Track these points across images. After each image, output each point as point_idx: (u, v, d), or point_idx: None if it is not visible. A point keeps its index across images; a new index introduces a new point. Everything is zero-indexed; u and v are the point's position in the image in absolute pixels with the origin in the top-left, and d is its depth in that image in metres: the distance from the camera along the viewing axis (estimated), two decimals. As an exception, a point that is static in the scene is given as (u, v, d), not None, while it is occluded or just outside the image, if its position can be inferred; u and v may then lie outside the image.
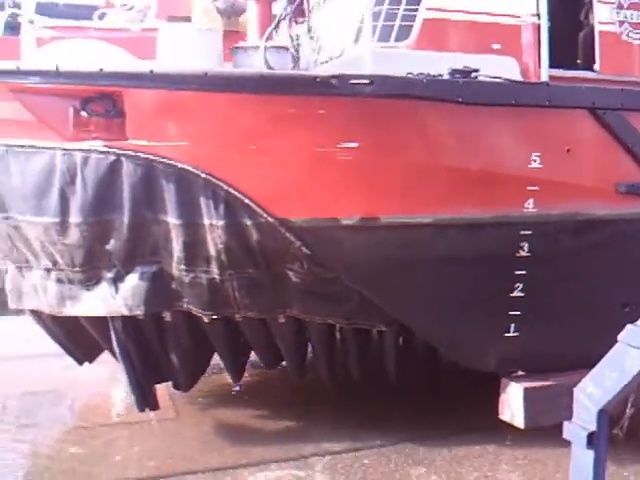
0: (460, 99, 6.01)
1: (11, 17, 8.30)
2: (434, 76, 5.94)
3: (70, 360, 8.65)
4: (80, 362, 8.14)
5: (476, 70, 6.12)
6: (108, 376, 8.96)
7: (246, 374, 8.16)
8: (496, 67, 6.38)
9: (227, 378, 8.18)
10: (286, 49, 6.18)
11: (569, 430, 5.00)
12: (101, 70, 5.80)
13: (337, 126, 5.85)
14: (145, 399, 7.20)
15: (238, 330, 7.06)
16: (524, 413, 6.48)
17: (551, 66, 6.57)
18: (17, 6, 8.47)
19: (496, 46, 6.84)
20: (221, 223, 6.15)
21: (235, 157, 5.98)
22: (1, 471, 6.68)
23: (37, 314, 7.72)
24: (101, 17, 7.86)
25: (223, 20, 7.14)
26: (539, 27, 6.87)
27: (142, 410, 7.24)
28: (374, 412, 7.55)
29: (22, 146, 6.51)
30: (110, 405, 8.45)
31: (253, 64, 6.17)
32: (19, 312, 7.82)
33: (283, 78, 5.82)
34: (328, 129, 5.84)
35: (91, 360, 8.14)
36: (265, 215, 6.09)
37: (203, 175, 6.02)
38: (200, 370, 7.60)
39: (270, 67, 6.01)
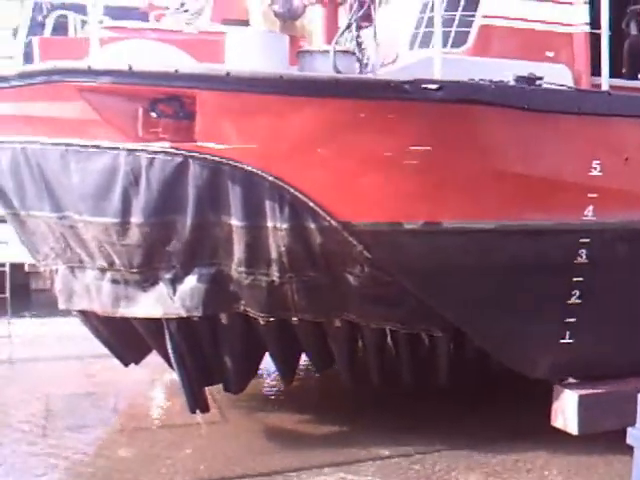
0: (526, 106, 6.08)
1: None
2: (501, 82, 6.01)
3: (108, 362, 8.75)
4: (126, 363, 8.16)
5: (540, 78, 6.20)
6: (147, 379, 9.03)
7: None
8: (550, 75, 6.45)
9: (269, 381, 8.22)
10: (353, 54, 6.23)
11: (632, 435, 5.07)
12: (176, 71, 5.84)
13: (406, 131, 5.90)
14: (196, 401, 7.22)
15: (292, 333, 7.09)
16: (578, 420, 6.53)
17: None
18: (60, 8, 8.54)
19: (549, 54, 6.96)
20: (285, 226, 6.19)
21: (303, 161, 6.03)
22: (51, 475, 6.66)
23: (85, 315, 7.76)
24: (158, 19, 7.90)
25: (280, 24, 7.19)
26: (592, 36, 7.00)
27: (193, 412, 7.26)
28: (424, 417, 7.58)
29: (84, 146, 6.55)
30: (153, 408, 8.48)
31: (319, 68, 6.20)
32: (65, 313, 7.85)
33: (358, 83, 5.88)
34: (397, 134, 5.89)
35: (137, 362, 8.17)
36: (329, 219, 6.14)
37: (270, 178, 6.07)
38: (252, 372, 7.63)
39: (339, 71, 6.06)
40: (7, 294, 10.71)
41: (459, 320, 6.60)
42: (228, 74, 5.77)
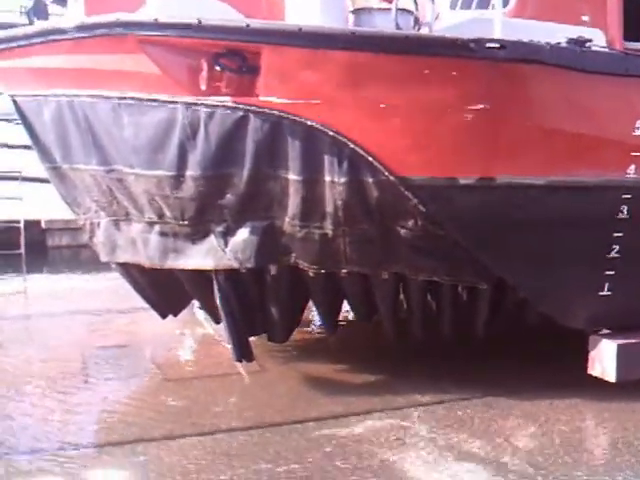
0: (578, 67, 6.30)
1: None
2: (557, 44, 6.22)
3: (130, 317, 8.89)
4: (163, 315, 8.31)
5: (590, 40, 6.42)
6: (176, 333, 9.17)
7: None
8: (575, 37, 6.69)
9: (303, 332, 8.40)
10: (410, 12, 6.38)
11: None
12: (247, 26, 5.93)
13: (468, 88, 6.09)
14: (242, 350, 7.42)
15: (338, 284, 7.30)
16: (616, 367, 6.87)
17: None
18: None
19: (585, 18, 7.18)
20: (343, 180, 6.36)
21: (364, 116, 6.19)
22: (102, 425, 6.78)
23: (125, 267, 7.87)
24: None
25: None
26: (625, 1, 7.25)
27: (240, 361, 7.47)
28: (462, 366, 7.85)
29: (139, 99, 6.62)
30: (190, 359, 8.64)
31: (377, 25, 6.35)
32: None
33: (426, 40, 6.05)
34: (459, 90, 6.08)
35: (176, 314, 8.33)
36: (387, 173, 6.32)
37: (331, 133, 6.22)
38: (296, 322, 7.83)
39: (399, 29, 6.20)
40: (22, 250, 10.73)
41: (505, 272, 6.85)
42: (300, 30, 5.88)
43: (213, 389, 7.56)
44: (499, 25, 6.10)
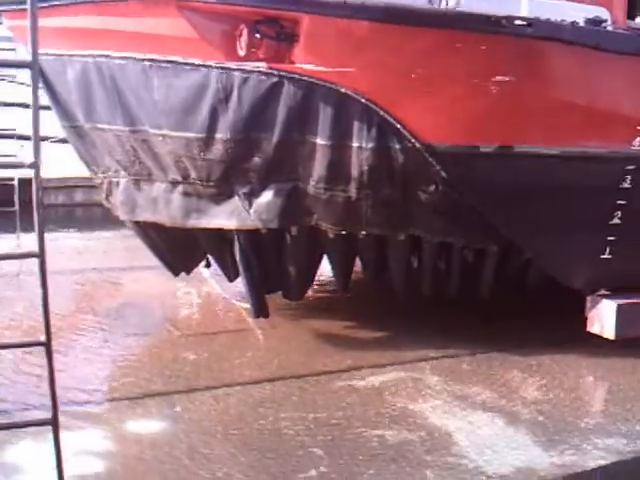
0: (595, 45, 6.70)
1: None
2: (577, 23, 6.60)
3: (131, 275, 9.06)
4: (176, 273, 8.54)
5: (605, 20, 6.83)
6: (184, 291, 9.35)
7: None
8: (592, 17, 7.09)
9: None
10: (441, -14, 6.69)
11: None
12: (288, -5, 6.16)
13: (494, 61, 6.45)
14: (260, 307, 7.73)
15: (354, 245, 7.64)
16: (615, 325, 7.40)
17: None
18: None
19: None
20: (370, 146, 6.66)
21: (395, 85, 6.50)
22: (123, 380, 6.92)
23: (142, 226, 8.07)
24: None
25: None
26: None
27: (257, 317, 7.79)
28: (468, 324, 8.26)
29: (172, 62, 6.79)
30: (202, 316, 8.82)
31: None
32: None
33: (462, 15, 6.36)
34: (486, 64, 6.43)
35: (188, 272, 8.56)
36: (413, 140, 6.65)
37: (363, 100, 6.50)
38: (311, 281, 8.15)
39: (431, 3, 6.52)
40: (16, 208, 10.75)
41: (516, 235, 7.27)
42: (340, 1, 6.13)
43: (229, 344, 7.84)
44: (526, 4, 6.44)
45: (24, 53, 8.80)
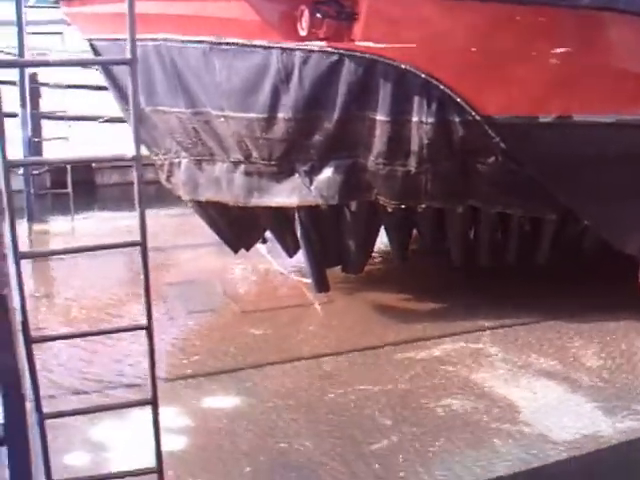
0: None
1: None
2: (627, -7, 6.68)
3: (188, 253, 9.27)
4: (236, 250, 8.74)
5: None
6: (241, 268, 9.50)
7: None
8: None
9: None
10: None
11: None
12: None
13: (553, 33, 6.53)
14: (321, 282, 7.90)
15: (412, 218, 7.78)
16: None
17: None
18: None
19: None
20: (431, 120, 6.76)
21: (455, 59, 6.59)
22: (193, 358, 7.09)
23: (203, 205, 8.26)
24: None
25: None
26: None
27: (320, 291, 7.96)
28: (521, 293, 8.30)
29: (233, 44, 6.93)
30: (261, 292, 9.00)
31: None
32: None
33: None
34: (545, 35, 6.51)
35: (248, 249, 8.76)
36: (473, 113, 6.75)
37: (423, 75, 6.61)
38: (369, 254, 8.31)
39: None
40: (69, 189, 10.99)
41: (574, 203, 7.36)
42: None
43: (290, 319, 8.01)
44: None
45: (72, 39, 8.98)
